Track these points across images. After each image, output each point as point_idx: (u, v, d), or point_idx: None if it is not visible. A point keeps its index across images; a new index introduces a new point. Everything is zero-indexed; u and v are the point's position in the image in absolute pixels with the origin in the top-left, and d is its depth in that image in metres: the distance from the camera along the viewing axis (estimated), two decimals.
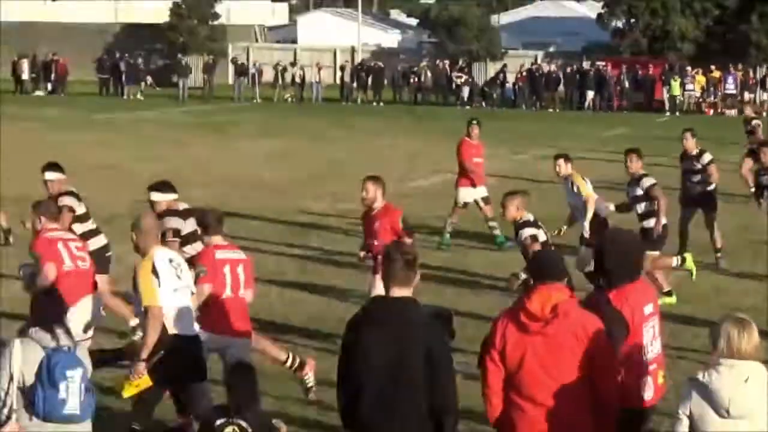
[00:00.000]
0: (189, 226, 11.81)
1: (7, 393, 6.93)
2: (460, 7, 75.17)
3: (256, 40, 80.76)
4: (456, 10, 72.98)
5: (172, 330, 9.36)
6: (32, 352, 7.05)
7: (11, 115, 42.37)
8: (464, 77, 59.86)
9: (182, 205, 12.27)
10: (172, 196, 12.12)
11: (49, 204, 12.08)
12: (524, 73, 57.89)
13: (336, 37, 78.57)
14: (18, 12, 75.28)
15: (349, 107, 56.46)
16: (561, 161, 15.81)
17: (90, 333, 11.42)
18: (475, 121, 21.64)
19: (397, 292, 6.67)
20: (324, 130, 41.36)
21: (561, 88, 56.47)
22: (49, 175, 13.66)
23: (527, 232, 12.28)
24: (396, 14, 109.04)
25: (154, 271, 9.43)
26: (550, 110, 53.44)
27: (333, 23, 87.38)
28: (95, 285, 11.64)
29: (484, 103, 57.30)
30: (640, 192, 15.34)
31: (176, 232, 11.67)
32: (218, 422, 7.65)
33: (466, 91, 57.98)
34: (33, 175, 16.65)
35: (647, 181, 15.32)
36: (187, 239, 11.76)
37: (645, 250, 10.96)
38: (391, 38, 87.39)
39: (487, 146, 20.92)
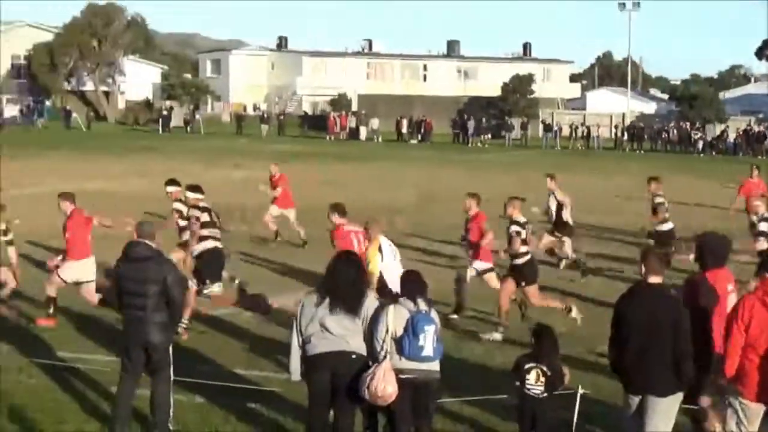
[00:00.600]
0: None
1: (384, 340, 8.86)
2: (698, 86, 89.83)
3: (558, 107, 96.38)
4: (695, 88, 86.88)
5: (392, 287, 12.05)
6: (400, 313, 8.96)
7: (415, 158, 54.15)
8: (699, 134, 71.48)
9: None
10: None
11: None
12: (741, 132, 70.49)
13: (612, 107, 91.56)
14: (399, 88, 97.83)
15: (620, 154, 66.95)
16: None
17: None
18: (755, 165, 24.61)
19: (653, 279, 8.66)
20: (605, 168, 49.63)
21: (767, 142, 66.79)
22: (170, 188, 15.98)
23: (513, 228, 14.45)
24: (653, 91, 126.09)
25: (380, 250, 13.13)
26: (760, 157, 60.82)
27: (610, 97, 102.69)
28: None
29: (713, 153, 67.63)
30: None
31: None
32: (527, 366, 9.24)
33: (700, 144, 69.59)
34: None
35: None
36: None
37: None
38: (649, 107, 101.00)
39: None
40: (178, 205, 15.60)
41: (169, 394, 10.07)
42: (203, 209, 15.00)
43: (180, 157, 45.58)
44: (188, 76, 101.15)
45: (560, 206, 19.40)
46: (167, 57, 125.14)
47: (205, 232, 14.86)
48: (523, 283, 14.63)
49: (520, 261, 14.64)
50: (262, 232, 23.29)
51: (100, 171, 39.22)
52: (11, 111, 79.44)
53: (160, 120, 76.76)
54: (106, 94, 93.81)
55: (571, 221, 19.89)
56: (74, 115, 78.42)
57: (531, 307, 15.07)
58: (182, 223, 15.39)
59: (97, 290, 14.70)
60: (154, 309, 9.83)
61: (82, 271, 14.50)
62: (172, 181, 16.18)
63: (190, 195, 15.21)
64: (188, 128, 77.16)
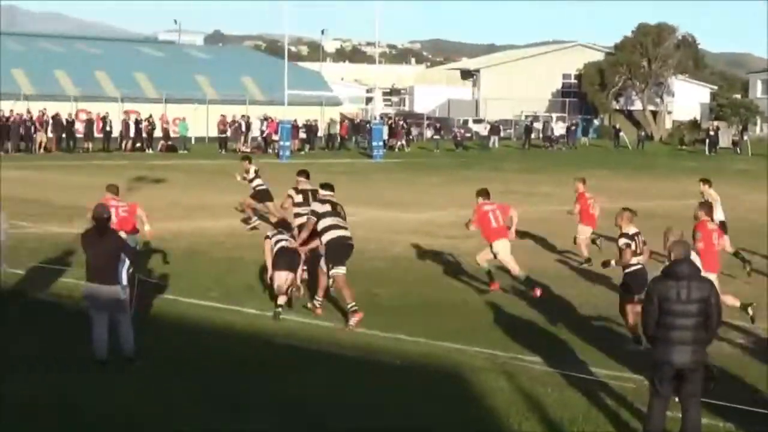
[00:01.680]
0: None
1: None
2: None
3: None
4: None
5: None
6: None
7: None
8: None
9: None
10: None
11: None
12: None
13: None
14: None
15: None
16: None
17: None
18: None
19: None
20: None
21: None
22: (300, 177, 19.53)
23: (622, 240, 15.10)
24: None
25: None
26: None
27: None
28: None
29: None
30: None
31: None
32: None
33: None
34: None
35: None
36: None
37: None
38: None
39: None
40: None
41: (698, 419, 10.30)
42: None
43: (723, 179, 44.41)
44: (738, 96, 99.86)
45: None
46: (716, 76, 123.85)
47: None
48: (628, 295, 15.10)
49: (628, 271, 15.19)
50: None
51: (647, 190, 39.34)
52: (560, 129, 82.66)
53: (707, 140, 75.84)
54: (654, 113, 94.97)
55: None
56: (622, 134, 79.84)
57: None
58: None
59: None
60: (695, 328, 9.98)
61: None
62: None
63: None
64: (737, 149, 75.36)
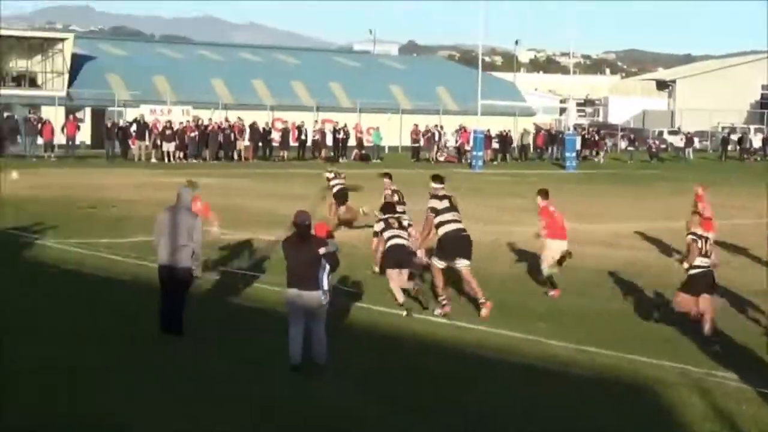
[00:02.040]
0: None
1: None
2: None
3: None
4: None
5: None
6: None
7: None
8: None
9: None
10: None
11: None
12: None
13: None
14: None
15: None
16: None
17: None
18: None
19: None
20: None
21: None
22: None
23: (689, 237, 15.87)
24: None
25: None
26: None
27: None
28: None
29: None
30: None
31: None
32: None
33: None
34: None
35: None
36: None
37: None
38: None
39: None
40: None
41: None
42: None
43: None
44: None
45: None
46: None
47: None
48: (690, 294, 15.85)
49: (692, 272, 15.87)
50: None
51: None
52: (758, 141, 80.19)
53: None
54: None
55: None
56: None
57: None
58: None
59: None
60: None
61: None
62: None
63: None
64: None
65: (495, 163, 63.00)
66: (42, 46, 63.21)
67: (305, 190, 36.92)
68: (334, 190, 26.91)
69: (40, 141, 54.50)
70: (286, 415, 11.64)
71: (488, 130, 63.28)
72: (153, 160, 54.55)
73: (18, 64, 63.25)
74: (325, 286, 13.38)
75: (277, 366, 13.26)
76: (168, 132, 55.43)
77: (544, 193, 19.45)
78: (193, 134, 56.42)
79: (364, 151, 62.91)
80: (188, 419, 11.23)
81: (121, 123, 57.16)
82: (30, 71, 63.10)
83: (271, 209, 31.12)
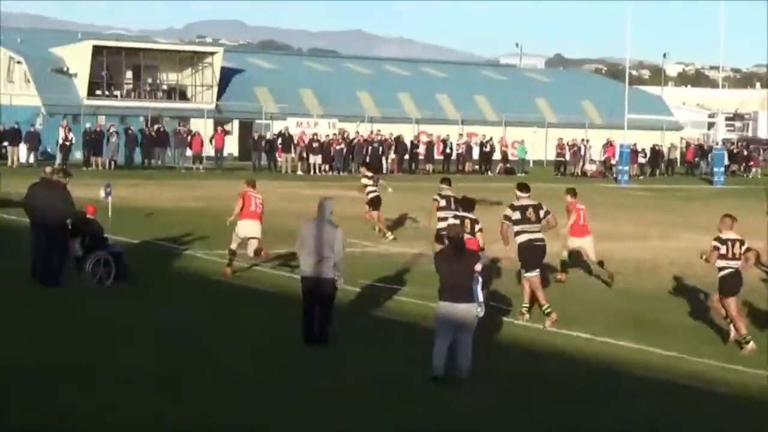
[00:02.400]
0: None
1: None
2: None
3: None
4: None
5: None
6: None
7: None
8: None
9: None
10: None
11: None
12: None
13: None
14: None
15: None
16: None
17: None
18: None
19: None
20: None
21: None
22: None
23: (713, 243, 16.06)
24: None
25: None
26: None
27: None
28: None
29: None
30: None
31: None
32: None
33: None
34: None
35: None
36: None
37: None
38: None
39: None
40: None
41: None
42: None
43: None
44: None
45: None
46: None
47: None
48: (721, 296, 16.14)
49: (719, 275, 16.16)
50: None
51: None
52: None
53: None
54: None
55: None
56: None
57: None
58: None
59: None
60: None
61: None
62: None
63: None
64: None
65: (641, 177, 62.03)
66: (192, 60, 64.81)
67: None
68: (369, 196, 28.79)
69: (188, 153, 55.82)
70: (427, 427, 11.74)
71: (634, 145, 62.39)
72: (299, 172, 55.33)
73: (169, 78, 64.89)
74: (480, 298, 13.47)
75: (418, 378, 13.30)
76: (314, 144, 56.18)
77: (572, 192, 21.84)
78: (339, 147, 57.04)
79: (508, 165, 62.67)
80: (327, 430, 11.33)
81: (268, 135, 58.17)
82: (180, 84, 64.69)
83: (411, 222, 31.17)
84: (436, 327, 13.52)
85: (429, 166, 60.04)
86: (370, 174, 29.51)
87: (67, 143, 51.59)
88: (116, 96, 61.90)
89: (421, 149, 61.51)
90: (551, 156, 66.64)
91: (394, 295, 19.60)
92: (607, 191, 49.22)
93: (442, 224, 20.38)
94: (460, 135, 65.50)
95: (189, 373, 13.33)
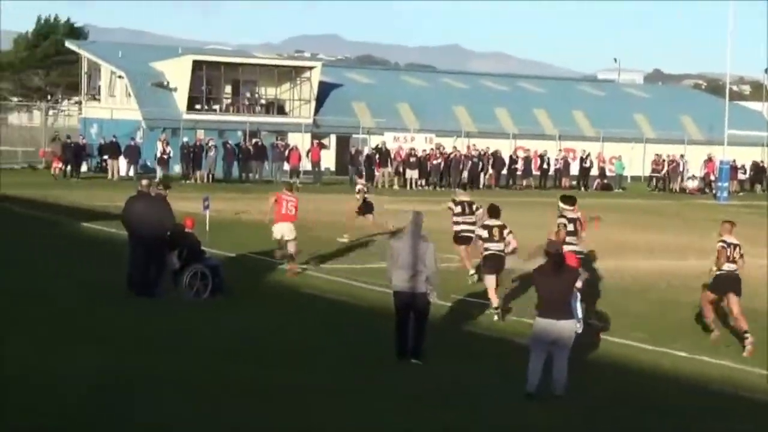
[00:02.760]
0: None
1: None
2: None
3: None
4: None
5: None
6: None
7: None
8: None
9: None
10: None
11: None
12: None
13: None
14: None
15: None
16: None
17: None
18: None
19: None
20: None
21: None
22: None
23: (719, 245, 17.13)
24: None
25: None
26: None
27: None
28: None
29: None
30: None
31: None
32: None
33: None
34: None
35: None
36: None
37: None
38: None
39: None
40: None
41: None
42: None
43: None
44: None
45: None
46: None
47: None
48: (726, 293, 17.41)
49: (720, 274, 17.39)
50: None
51: None
52: None
53: None
54: None
55: None
56: None
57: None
58: None
59: None
60: None
61: None
62: None
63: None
64: None
65: (741, 194, 60.95)
66: (290, 75, 65.37)
67: (544, 219, 36.69)
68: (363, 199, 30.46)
69: (286, 167, 56.24)
70: None
71: (734, 161, 61.35)
72: (395, 187, 55.43)
73: (267, 92, 65.55)
74: (579, 315, 13.41)
75: (509, 393, 13.22)
76: (412, 159, 56.28)
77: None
78: (436, 162, 57.05)
79: (606, 181, 62.09)
80: None
81: (365, 150, 58.39)
82: (278, 99, 65.29)
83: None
84: (532, 343, 13.46)
85: (526, 181, 59.69)
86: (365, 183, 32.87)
87: (165, 156, 52.37)
88: (215, 110, 62.69)
89: (519, 164, 61.19)
90: (649, 172, 65.83)
91: (487, 310, 19.41)
92: (706, 208, 48.45)
93: (456, 228, 23.34)
94: (559, 150, 65.05)
95: (279, 383, 13.42)
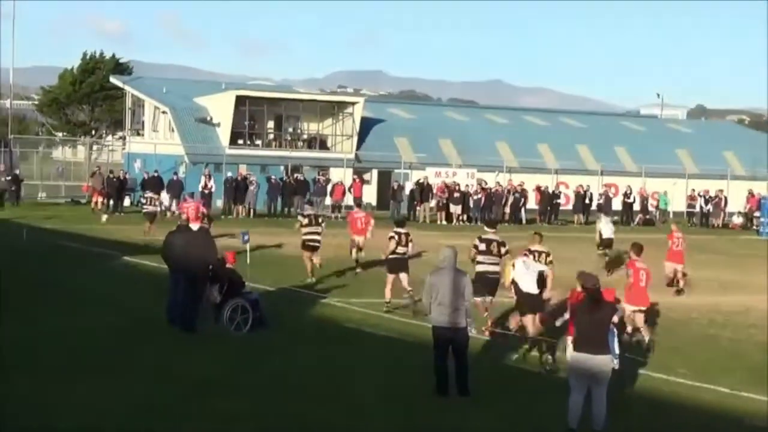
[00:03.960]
0: None
1: None
2: None
3: None
4: None
5: None
6: None
7: None
8: None
9: None
10: None
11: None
12: None
13: None
14: None
15: None
16: None
17: None
18: None
19: None
20: None
21: None
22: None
23: None
24: None
25: None
26: None
27: None
28: None
29: None
30: None
31: None
32: None
33: None
34: None
35: None
36: None
37: None
38: None
39: None
40: None
41: None
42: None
43: None
44: None
45: None
46: None
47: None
48: None
49: None
50: None
51: None
52: None
53: None
54: None
55: None
56: None
57: None
58: None
59: None
60: None
61: None
62: None
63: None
64: None
65: None
66: (333, 110, 65.65)
67: (583, 254, 36.59)
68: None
69: (328, 201, 56.38)
70: None
71: None
72: (443, 222, 55.44)
73: (309, 127, 65.86)
74: (616, 350, 13.32)
75: (552, 429, 13.15)
76: (456, 194, 56.29)
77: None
78: (477, 197, 57.01)
79: (648, 216, 61.77)
80: None
81: (407, 185, 58.46)
82: (321, 134, 65.56)
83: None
84: (571, 379, 13.38)
85: (576, 216, 59.54)
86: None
87: (206, 191, 52.66)
88: (257, 145, 63.04)
89: (562, 199, 61.05)
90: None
91: (524, 343, 19.38)
92: (749, 243, 48.04)
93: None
94: (604, 186, 64.85)
95: (320, 417, 13.40)
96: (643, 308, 19.96)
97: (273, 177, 55.91)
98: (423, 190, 56.88)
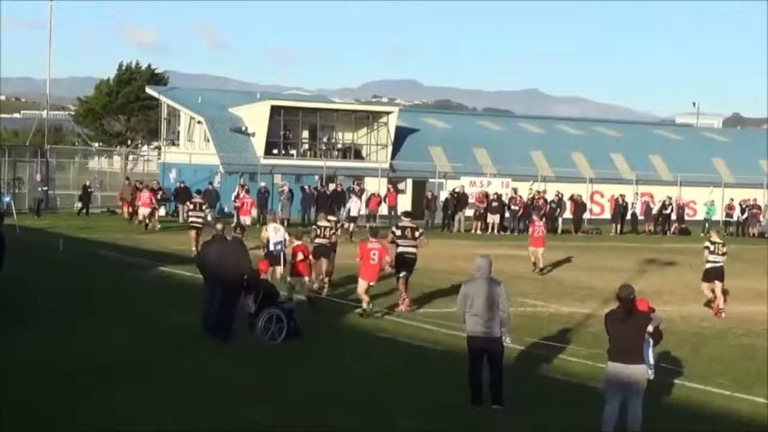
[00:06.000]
0: None
1: None
2: None
3: None
4: None
5: None
6: None
7: None
8: None
9: None
10: None
11: None
12: None
13: None
14: None
15: None
16: None
17: None
18: None
19: None
20: None
21: None
22: None
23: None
24: None
25: None
26: None
27: None
28: None
29: None
30: None
31: None
32: None
33: None
34: None
35: None
36: None
37: None
38: None
39: None
40: None
41: None
42: None
43: None
44: None
45: None
46: None
47: None
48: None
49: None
50: None
51: None
52: None
53: None
54: None
55: None
56: None
57: None
58: None
59: None
60: None
61: None
62: None
63: None
64: None
65: None
66: (368, 119, 65.76)
67: (621, 263, 36.50)
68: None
69: (354, 211, 56.35)
70: None
71: None
72: (478, 231, 55.41)
73: (344, 137, 66.01)
74: (651, 361, 13.31)
75: None
76: (494, 204, 56.26)
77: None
78: (514, 207, 56.95)
79: (683, 225, 61.47)
80: None
81: (442, 195, 58.48)
82: (355, 143, 65.69)
83: (585, 282, 30.91)
84: (606, 389, 13.37)
85: (615, 226, 59.34)
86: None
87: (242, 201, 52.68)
88: (292, 155, 63.24)
89: (596, 209, 60.84)
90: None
91: (561, 354, 19.45)
92: None
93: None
94: (636, 194, 64.59)
95: (354, 427, 13.46)
96: None
97: (308, 186, 56.03)
98: (458, 200, 56.82)
